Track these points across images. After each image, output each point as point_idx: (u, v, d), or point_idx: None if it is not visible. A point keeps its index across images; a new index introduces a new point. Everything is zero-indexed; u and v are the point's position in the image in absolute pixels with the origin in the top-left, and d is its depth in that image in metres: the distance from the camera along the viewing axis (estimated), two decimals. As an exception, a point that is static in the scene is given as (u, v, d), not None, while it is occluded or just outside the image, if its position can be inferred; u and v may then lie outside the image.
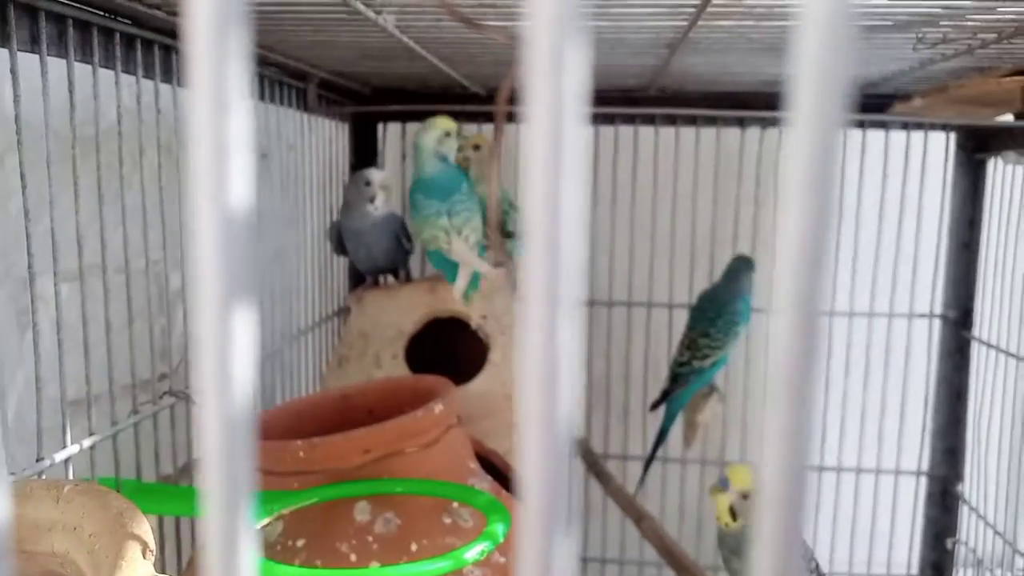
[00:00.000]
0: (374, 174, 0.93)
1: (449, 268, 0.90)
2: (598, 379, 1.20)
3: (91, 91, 0.58)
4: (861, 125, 1.04)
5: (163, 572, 0.45)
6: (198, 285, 0.13)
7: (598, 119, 1.07)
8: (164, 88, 0.67)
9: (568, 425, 0.14)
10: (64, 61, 0.55)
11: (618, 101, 1.06)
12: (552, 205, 0.12)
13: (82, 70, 0.57)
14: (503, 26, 0.59)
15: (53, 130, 0.53)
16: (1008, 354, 0.99)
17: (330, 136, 1.06)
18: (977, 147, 1.07)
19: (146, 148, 0.64)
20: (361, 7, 0.57)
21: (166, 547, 0.69)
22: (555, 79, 0.11)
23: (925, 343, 1.10)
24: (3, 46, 0.50)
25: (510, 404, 0.89)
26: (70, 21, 0.55)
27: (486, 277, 0.90)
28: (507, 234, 0.93)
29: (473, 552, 0.53)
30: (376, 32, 0.65)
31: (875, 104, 1.02)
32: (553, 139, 0.11)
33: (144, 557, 0.40)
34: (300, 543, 0.60)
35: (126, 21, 0.61)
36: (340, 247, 0.97)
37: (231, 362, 0.14)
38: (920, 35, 0.65)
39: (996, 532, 1.02)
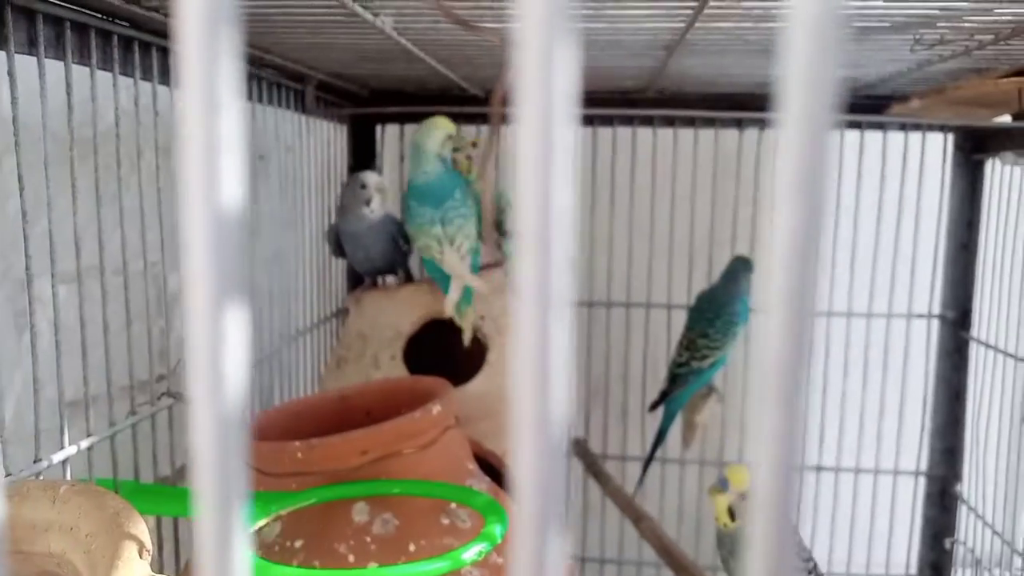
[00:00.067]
0: (369, 177, 0.93)
1: (442, 278, 0.90)
2: (597, 380, 1.20)
3: (89, 93, 0.58)
4: (859, 126, 1.04)
5: (161, 573, 0.45)
6: (189, 285, 0.13)
7: (596, 121, 1.08)
8: (162, 90, 0.67)
9: (561, 425, 0.14)
10: (62, 63, 0.55)
11: (616, 103, 1.06)
12: (543, 205, 0.12)
13: (80, 72, 0.57)
14: (497, 28, 0.59)
15: (51, 132, 0.54)
16: (1006, 354, 0.99)
17: (328, 138, 1.06)
18: (975, 148, 1.08)
19: (144, 150, 0.64)
20: (359, 9, 0.57)
21: (164, 548, 0.69)
22: (545, 80, 0.11)
23: (924, 343, 1.10)
24: (0, 48, 0.50)
25: (508, 405, 0.89)
26: (67, 23, 0.55)
27: (478, 290, 0.90)
28: (504, 232, 0.93)
29: (471, 553, 0.53)
30: (374, 34, 0.65)
31: (873, 105, 1.03)
32: (543, 140, 0.11)
33: (141, 557, 0.40)
34: (298, 544, 0.60)
35: (124, 23, 0.61)
36: (339, 250, 0.98)
37: (223, 362, 0.14)
38: (917, 36, 0.65)
39: (995, 532, 1.02)
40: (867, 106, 1.03)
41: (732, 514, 0.78)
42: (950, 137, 1.07)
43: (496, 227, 0.86)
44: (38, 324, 0.53)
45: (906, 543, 1.13)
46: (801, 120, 0.11)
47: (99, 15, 0.58)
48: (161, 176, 0.66)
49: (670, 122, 1.07)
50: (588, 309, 1.18)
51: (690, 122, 1.07)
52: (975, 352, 1.07)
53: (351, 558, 0.59)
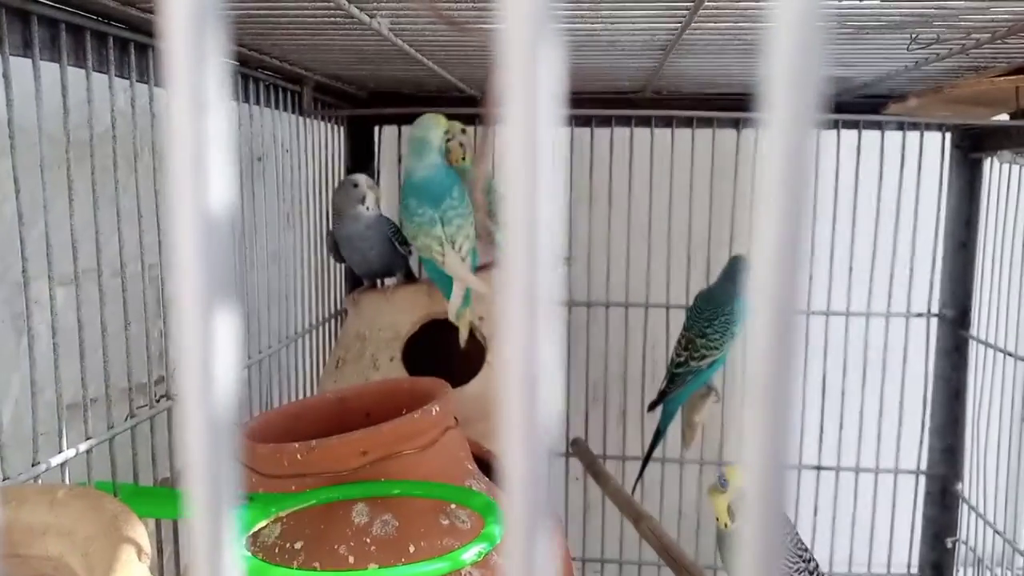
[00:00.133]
0: (360, 176, 0.95)
1: (442, 279, 0.90)
2: (596, 380, 1.20)
3: (84, 95, 0.58)
4: (857, 126, 1.04)
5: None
6: (179, 288, 0.13)
7: (594, 121, 1.08)
8: (159, 92, 0.67)
9: (550, 425, 0.14)
10: (57, 65, 0.55)
11: (614, 103, 1.06)
12: (529, 205, 0.12)
13: (75, 74, 0.57)
14: (487, 28, 0.59)
15: (47, 134, 0.54)
16: (1006, 353, 0.99)
17: (326, 139, 1.06)
18: (973, 147, 1.08)
19: (141, 152, 0.64)
20: (355, 11, 0.57)
21: (164, 551, 0.69)
22: (530, 80, 0.11)
23: (923, 342, 1.10)
24: (-4, 51, 0.50)
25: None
26: (63, 25, 0.55)
27: (479, 292, 0.90)
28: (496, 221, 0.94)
29: (471, 553, 0.53)
30: (370, 35, 0.65)
31: (870, 105, 1.03)
32: (529, 140, 0.11)
33: (139, 560, 0.40)
34: (298, 545, 0.60)
35: (120, 25, 0.61)
36: (338, 255, 0.98)
37: (213, 365, 0.14)
38: (914, 35, 0.65)
39: (996, 531, 1.02)
40: (865, 105, 1.03)
41: (732, 514, 0.78)
42: (948, 136, 1.07)
43: (488, 216, 0.87)
44: (36, 327, 0.53)
45: (907, 542, 1.13)
46: (785, 120, 0.11)
47: (94, 17, 0.58)
48: (158, 178, 0.66)
49: (668, 122, 1.07)
50: (587, 309, 1.18)
51: (688, 122, 1.07)
52: (974, 351, 1.07)
53: (351, 559, 0.59)
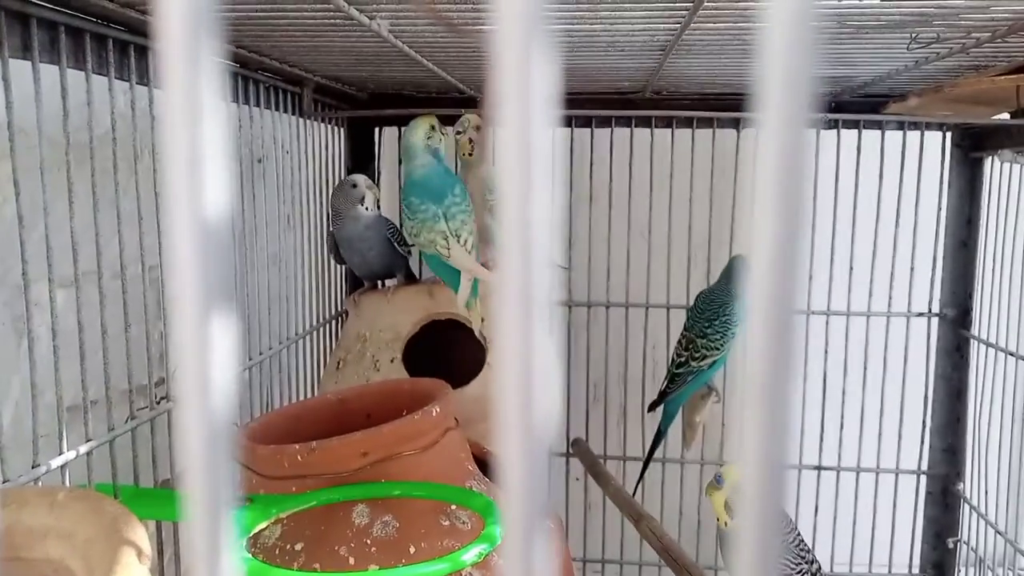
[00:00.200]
0: (358, 177, 0.95)
1: (446, 273, 0.90)
2: (596, 380, 1.20)
3: (84, 98, 0.58)
4: (857, 125, 1.04)
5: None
6: (176, 291, 0.13)
7: (594, 121, 1.08)
8: (160, 94, 0.67)
9: (546, 426, 0.14)
10: (56, 67, 0.55)
11: (614, 104, 1.06)
12: (524, 205, 0.12)
13: (75, 76, 0.57)
14: (486, 29, 0.59)
15: (47, 136, 0.54)
16: (1007, 352, 0.99)
17: (326, 140, 1.06)
18: (974, 146, 1.08)
19: (141, 154, 0.64)
20: (355, 13, 0.57)
21: (165, 553, 0.69)
22: (523, 81, 0.11)
23: (924, 342, 1.10)
24: (-5, 53, 0.50)
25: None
26: (62, 28, 0.55)
27: (487, 280, 0.90)
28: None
29: (471, 554, 0.53)
30: (370, 37, 0.65)
31: (870, 104, 1.03)
32: (523, 141, 0.11)
33: (140, 562, 0.40)
34: (299, 547, 0.60)
35: (119, 27, 0.61)
36: (339, 257, 0.99)
37: (210, 368, 0.14)
38: (914, 34, 0.65)
39: (997, 531, 1.02)
40: (865, 105, 1.03)
41: (730, 512, 0.78)
42: (948, 135, 1.07)
43: (490, 214, 0.87)
44: (36, 329, 0.53)
45: (908, 542, 1.13)
46: (779, 119, 0.11)
47: (94, 19, 0.58)
48: (158, 180, 0.67)
49: (668, 122, 1.07)
50: (587, 309, 1.17)
51: (688, 122, 1.07)
52: (975, 350, 1.07)
53: (352, 560, 0.59)
